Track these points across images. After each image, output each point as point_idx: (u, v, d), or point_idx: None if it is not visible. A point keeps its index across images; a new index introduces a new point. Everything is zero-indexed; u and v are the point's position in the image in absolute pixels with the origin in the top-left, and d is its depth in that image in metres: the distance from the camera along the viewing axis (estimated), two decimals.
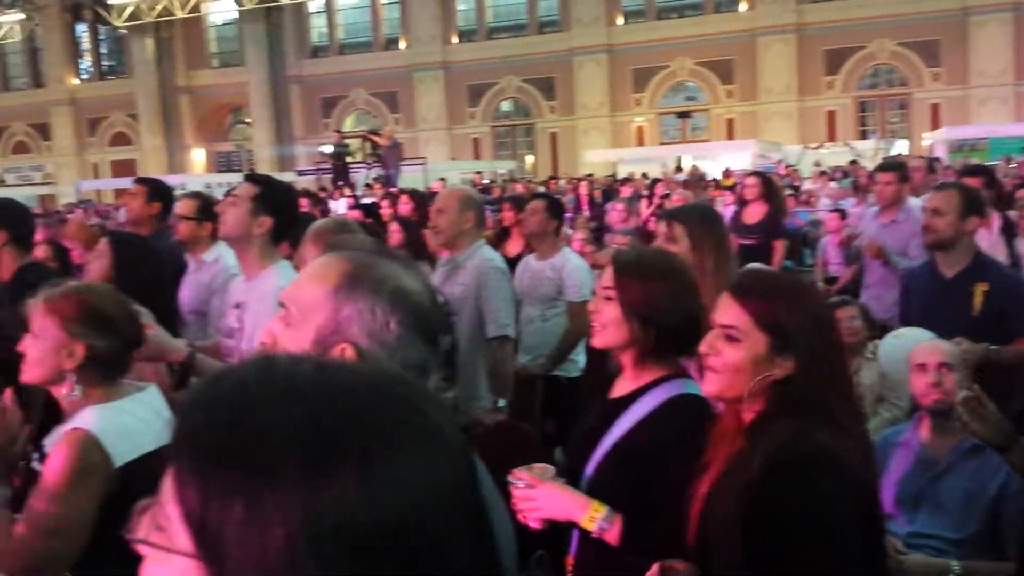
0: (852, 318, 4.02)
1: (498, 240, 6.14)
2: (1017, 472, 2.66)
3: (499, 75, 34.43)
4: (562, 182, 20.39)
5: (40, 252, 5.14)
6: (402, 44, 35.81)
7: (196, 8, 34.00)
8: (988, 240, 5.07)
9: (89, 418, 1.96)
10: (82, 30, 40.03)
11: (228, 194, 3.47)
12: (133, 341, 2.11)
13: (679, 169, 23.67)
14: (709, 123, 32.55)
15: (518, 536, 1.79)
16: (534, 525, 1.98)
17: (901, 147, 25.27)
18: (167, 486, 0.64)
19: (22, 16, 35.72)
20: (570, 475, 2.09)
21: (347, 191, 16.62)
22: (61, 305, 2.02)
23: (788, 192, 12.00)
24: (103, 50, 40.60)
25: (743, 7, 31.50)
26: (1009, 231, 5.75)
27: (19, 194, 29.95)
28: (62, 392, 2.02)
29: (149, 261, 3.55)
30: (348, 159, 21.29)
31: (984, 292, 3.74)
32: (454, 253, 4.06)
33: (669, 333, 2.01)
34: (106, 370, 2.05)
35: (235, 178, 22.57)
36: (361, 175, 20.38)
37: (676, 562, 1.77)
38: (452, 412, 0.72)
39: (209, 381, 0.68)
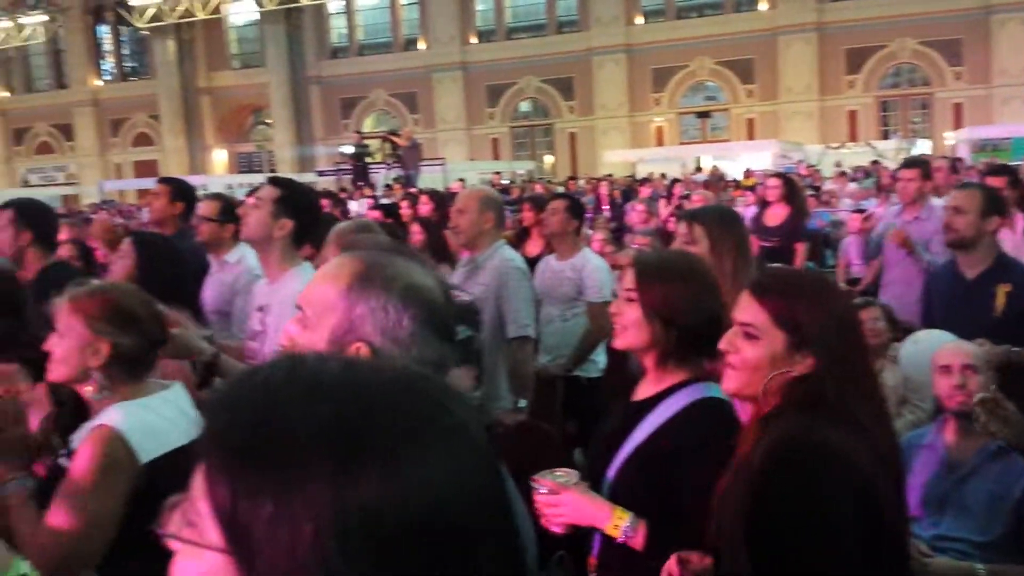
0: (875, 319, 3.99)
1: (518, 240, 6.15)
2: None
3: (518, 75, 34.43)
4: (581, 182, 20.37)
5: (65, 251, 5.21)
6: (421, 45, 35.89)
7: (217, 9, 34.19)
8: (1011, 241, 5.02)
9: (115, 415, 1.98)
10: (104, 31, 40.37)
11: (250, 195, 3.50)
12: (158, 339, 2.13)
13: (699, 169, 23.60)
14: (729, 123, 32.42)
15: (538, 537, 1.80)
16: (556, 530, 1.98)
17: (923, 147, 25.07)
18: (197, 482, 0.65)
19: (45, 18, 36.04)
20: (591, 477, 2.09)
21: (367, 191, 16.68)
22: (86, 304, 2.04)
23: (809, 192, 11.93)
24: (125, 51, 40.92)
25: (763, 6, 31.34)
26: None
27: (43, 194, 30.25)
28: (88, 390, 2.04)
29: (172, 261, 3.58)
30: (368, 160, 21.38)
31: (1006, 293, 3.71)
32: (474, 253, 4.06)
33: (690, 334, 2.00)
34: (131, 368, 2.06)
35: (256, 179, 22.71)
36: (381, 176, 20.45)
37: (692, 553, 1.78)
38: (477, 410, 0.73)
39: (237, 379, 0.69)
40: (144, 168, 37.28)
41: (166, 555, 1.96)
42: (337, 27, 38.07)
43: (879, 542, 1.57)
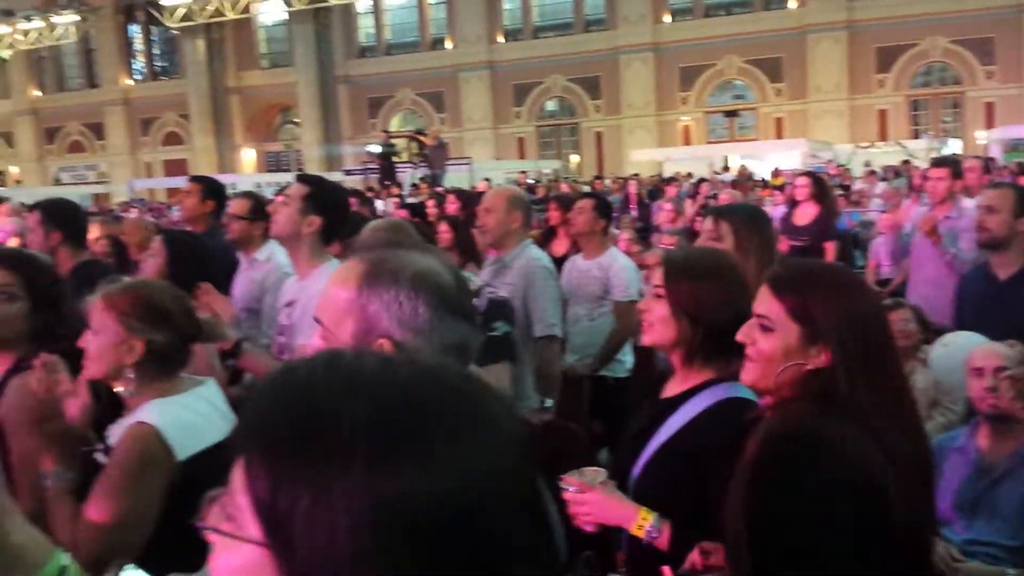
0: (906, 321, 3.95)
1: (544, 240, 6.14)
2: None
3: (544, 74, 34.42)
4: (607, 182, 20.33)
5: (99, 248, 5.27)
6: (448, 44, 35.98)
7: (246, 9, 34.45)
8: None
9: (152, 413, 2.00)
10: (135, 31, 40.84)
11: (279, 193, 3.53)
12: (191, 336, 2.16)
13: (726, 168, 23.47)
14: (757, 122, 32.22)
15: (566, 537, 1.80)
16: (587, 528, 1.99)
17: (954, 146, 24.80)
18: (236, 476, 0.66)
19: (77, 18, 36.45)
20: (618, 475, 2.09)
21: (394, 191, 16.75)
22: (119, 301, 2.06)
23: (839, 192, 11.83)
24: (155, 51, 41.37)
25: (793, 4, 31.12)
26: None
27: (74, 192, 30.67)
28: (122, 387, 2.06)
29: (202, 258, 3.61)
30: (395, 159, 21.46)
31: None
32: (501, 253, 4.07)
33: (717, 332, 2.00)
34: (165, 365, 2.09)
35: (284, 178, 22.89)
36: (408, 175, 20.52)
37: (716, 545, 1.78)
38: (511, 405, 0.73)
39: (277, 374, 0.70)
40: (174, 167, 37.67)
41: (203, 550, 1.98)
42: (365, 26, 38.25)
43: (884, 540, 1.55)
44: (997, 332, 3.22)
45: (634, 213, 12.62)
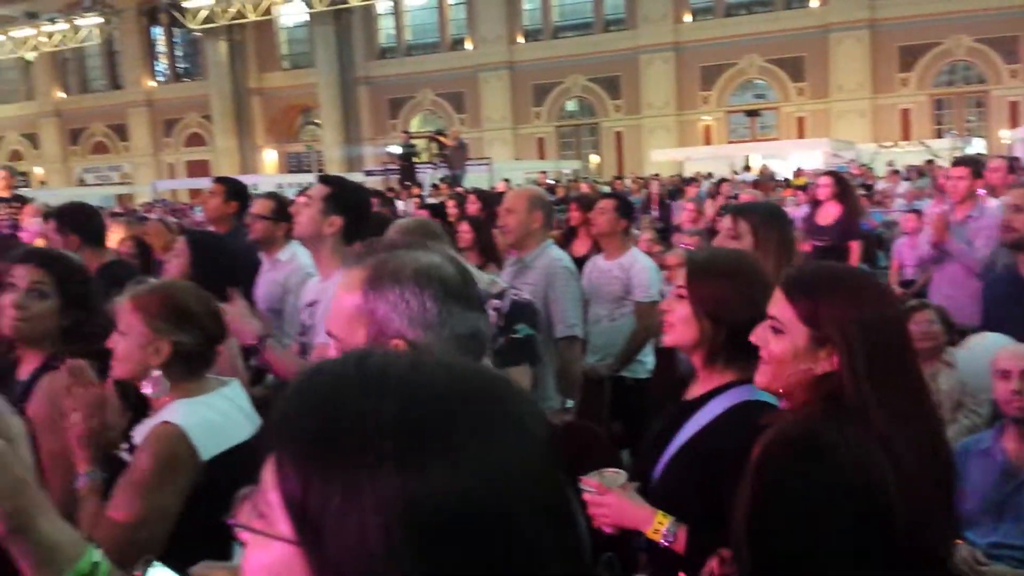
0: (930, 322, 3.92)
1: (565, 240, 6.14)
2: None
3: (564, 74, 34.39)
4: (627, 182, 20.28)
5: (124, 248, 5.32)
6: (468, 44, 36.02)
7: (268, 11, 34.63)
8: None
9: (178, 413, 2.02)
10: (158, 33, 41.15)
11: (300, 194, 3.55)
12: (216, 337, 2.17)
13: (747, 168, 23.36)
14: (779, 121, 32.05)
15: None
16: (606, 530, 1.99)
17: (978, 146, 24.55)
18: (267, 474, 0.66)
19: (100, 20, 36.77)
20: (641, 476, 2.09)
21: (414, 191, 16.77)
22: (146, 302, 2.08)
23: (861, 192, 11.75)
24: (178, 53, 41.66)
25: (814, 3, 30.93)
26: None
27: (98, 193, 30.96)
28: (149, 387, 2.08)
29: (226, 259, 3.64)
30: (415, 159, 21.49)
31: None
32: (522, 253, 4.07)
33: (739, 333, 1.99)
34: (191, 366, 2.11)
35: (305, 178, 23.00)
36: (428, 175, 20.54)
37: (731, 552, 1.77)
38: (537, 406, 0.74)
39: (307, 374, 0.72)
40: (196, 168, 37.95)
41: (226, 549, 1.99)
42: (385, 28, 38.36)
43: (885, 545, 1.53)
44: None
45: (654, 213, 12.58)
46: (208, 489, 1.96)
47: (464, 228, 5.14)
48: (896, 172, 17.03)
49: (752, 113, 31.46)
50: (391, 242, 1.49)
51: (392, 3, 36.92)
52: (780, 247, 2.93)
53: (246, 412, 2.17)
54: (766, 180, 17.37)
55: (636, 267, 4.89)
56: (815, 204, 6.99)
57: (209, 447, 2.00)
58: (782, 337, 1.68)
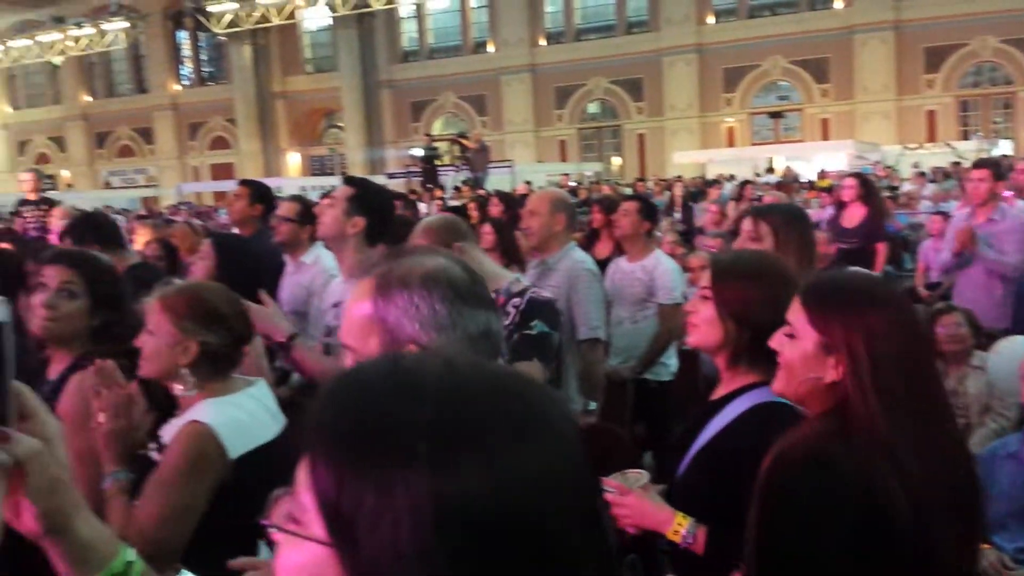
0: (957, 324, 3.89)
1: (587, 242, 6.13)
2: None
3: (586, 76, 34.35)
4: (650, 184, 20.23)
5: (150, 251, 5.37)
6: (490, 48, 36.07)
7: (291, 15, 34.84)
8: None
9: (207, 412, 2.04)
10: (183, 37, 41.49)
11: (324, 196, 3.57)
12: (244, 337, 2.19)
13: (770, 170, 23.24)
14: (802, 123, 31.85)
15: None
16: (630, 531, 1.99)
17: (1005, 147, 24.29)
18: (301, 475, 0.67)
19: (126, 25, 37.16)
20: (668, 478, 2.09)
21: (437, 193, 16.82)
22: (175, 303, 2.11)
23: (886, 194, 11.66)
24: (203, 57, 41.98)
25: (839, 4, 30.72)
26: None
27: (123, 196, 31.29)
28: (177, 387, 2.10)
29: (251, 261, 3.66)
30: (437, 162, 21.55)
31: None
32: (545, 255, 4.07)
33: (763, 335, 1.98)
34: (218, 365, 2.13)
35: (329, 181, 23.12)
36: (450, 178, 20.60)
37: None
38: (567, 408, 0.74)
39: (342, 376, 0.72)
40: (220, 171, 38.23)
41: (251, 546, 2.01)
42: (408, 31, 38.49)
43: (889, 558, 1.52)
44: None
45: (677, 216, 12.55)
46: (234, 488, 1.98)
47: (486, 230, 5.16)
48: (922, 174, 16.89)
49: (776, 115, 31.28)
50: (409, 249, 1.51)
51: (415, 7, 37.04)
52: (801, 249, 2.91)
53: (272, 412, 2.19)
54: (789, 182, 17.26)
55: (659, 269, 4.87)
56: (840, 206, 6.94)
57: (237, 446, 2.02)
58: (795, 343, 1.67)
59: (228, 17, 34.44)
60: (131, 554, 0.92)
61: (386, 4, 33.17)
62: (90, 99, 43.26)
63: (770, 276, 2.06)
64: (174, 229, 6.52)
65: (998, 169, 5.42)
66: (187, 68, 42.10)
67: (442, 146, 24.93)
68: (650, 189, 17.85)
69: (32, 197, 9.27)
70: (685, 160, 28.38)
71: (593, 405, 3.96)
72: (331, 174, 33.58)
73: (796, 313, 1.69)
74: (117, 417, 2.06)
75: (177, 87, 41.65)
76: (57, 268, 2.47)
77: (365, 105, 37.33)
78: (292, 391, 3.64)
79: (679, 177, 20.48)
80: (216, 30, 35.42)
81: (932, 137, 28.09)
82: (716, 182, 18.03)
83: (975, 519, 1.65)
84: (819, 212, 9.99)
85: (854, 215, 6.52)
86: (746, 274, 2.06)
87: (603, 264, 5.08)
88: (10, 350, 0.81)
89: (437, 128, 35.55)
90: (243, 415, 2.08)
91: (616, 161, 33.99)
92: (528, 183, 17.95)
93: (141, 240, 6.13)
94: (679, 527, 1.93)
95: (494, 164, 22.36)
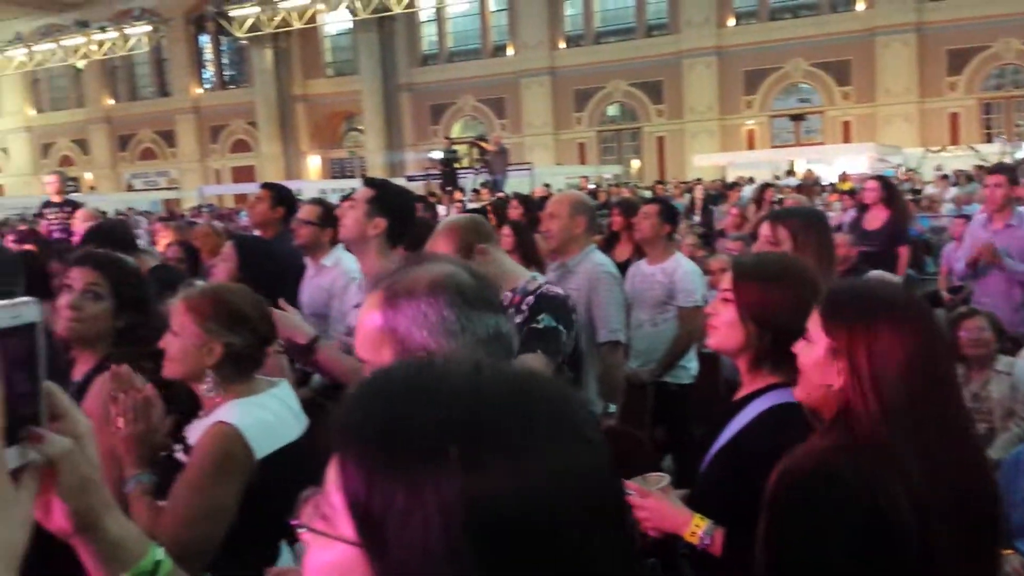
0: (980, 329, 3.85)
1: (607, 245, 6.12)
2: None
3: (606, 79, 34.33)
4: (670, 186, 20.17)
5: (172, 253, 5.41)
6: (510, 51, 36.12)
7: (312, 19, 35.04)
8: None
9: (233, 412, 2.06)
10: (205, 41, 41.81)
11: (344, 199, 3.58)
12: (267, 338, 2.21)
13: (790, 172, 23.12)
14: (823, 126, 31.68)
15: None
16: (652, 534, 1.99)
17: None
18: (331, 476, 0.68)
19: (149, 29, 37.54)
20: (689, 478, 2.09)
21: (456, 196, 16.84)
22: (199, 304, 2.13)
23: (909, 197, 11.57)
24: (224, 61, 42.27)
25: (860, 6, 30.54)
26: None
27: (145, 198, 31.56)
28: (201, 388, 2.12)
29: (272, 262, 3.68)
30: (456, 165, 21.57)
31: None
32: (565, 258, 4.07)
33: (786, 338, 1.97)
34: (242, 366, 2.14)
35: (349, 184, 23.19)
36: (469, 180, 20.61)
37: None
38: (591, 410, 0.75)
39: (371, 379, 0.73)
40: (241, 173, 38.49)
41: (273, 547, 2.02)
42: (428, 35, 38.60)
43: (898, 570, 1.51)
44: None
45: (696, 219, 12.51)
46: (259, 487, 2.00)
47: (505, 232, 5.16)
48: (944, 177, 16.75)
49: (797, 117, 31.13)
50: (417, 259, 1.52)
51: (435, 10, 37.15)
52: (819, 253, 2.90)
53: (295, 412, 2.20)
54: (810, 185, 17.16)
55: (680, 272, 4.86)
56: (862, 209, 6.89)
57: (263, 446, 2.03)
58: (810, 348, 1.67)
59: (250, 21, 34.68)
60: (160, 553, 0.93)
61: (406, 8, 33.28)
62: (113, 102, 43.65)
63: (792, 278, 2.04)
64: (196, 229, 6.56)
65: (1013, 174, 5.37)
66: (209, 72, 42.41)
67: (461, 149, 24.94)
68: (670, 192, 17.79)
69: (56, 199, 9.36)
70: (705, 163, 28.28)
71: (613, 408, 3.95)
72: (351, 177, 33.73)
73: (813, 318, 1.68)
74: (136, 421, 2.08)
75: (199, 90, 41.96)
76: (83, 270, 2.49)
77: (385, 108, 37.48)
78: (313, 392, 3.66)
79: (699, 180, 20.41)
80: (238, 34, 35.68)
81: (955, 140, 27.87)
82: (736, 185, 17.96)
83: (992, 526, 1.63)
84: (840, 215, 9.94)
85: (876, 218, 6.48)
86: (768, 276, 2.04)
87: (622, 267, 5.07)
88: (42, 350, 0.83)
89: (456, 131, 35.60)
90: (268, 415, 2.09)
91: (635, 164, 33.92)
92: (547, 186, 17.93)
93: (163, 242, 6.18)
94: (696, 529, 1.93)
95: (513, 167, 22.35)
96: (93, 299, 2.45)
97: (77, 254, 2.69)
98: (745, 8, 32.60)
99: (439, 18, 37.80)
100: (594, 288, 3.94)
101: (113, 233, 4.46)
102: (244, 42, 37.92)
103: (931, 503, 1.49)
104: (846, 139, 29.88)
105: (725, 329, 2.04)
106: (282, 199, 5.16)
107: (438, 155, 21.92)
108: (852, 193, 12.92)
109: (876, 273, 4.56)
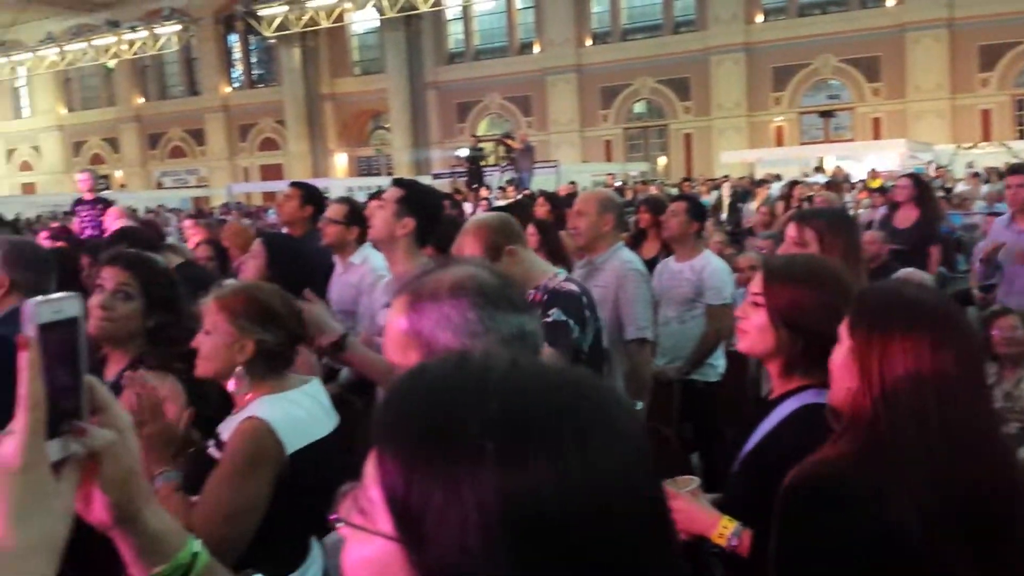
0: (1014, 327, 3.81)
1: (634, 242, 6.10)
2: None
3: (633, 76, 34.20)
4: (697, 183, 20.08)
5: (201, 252, 5.46)
6: (536, 48, 36.08)
7: (340, 18, 35.20)
8: None
9: (264, 408, 2.08)
10: (234, 41, 42.13)
11: (371, 197, 3.60)
12: (298, 336, 2.23)
13: (819, 169, 22.92)
14: (853, 122, 31.37)
15: None
16: (681, 536, 1.98)
17: None
18: (370, 471, 0.68)
19: (179, 28, 37.91)
20: (717, 477, 2.08)
21: (482, 193, 16.86)
22: (231, 302, 2.15)
23: (940, 195, 11.44)
24: (253, 60, 42.57)
25: (891, 2, 30.21)
26: None
27: (175, 196, 31.85)
28: (233, 385, 2.14)
29: (301, 260, 3.71)
30: (482, 163, 21.60)
31: None
32: (593, 255, 4.06)
33: (819, 342, 1.94)
34: (273, 363, 2.16)
35: (375, 182, 23.29)
36: (495, 178, 20.63)
37: None
38: (630, 407, 0.75)
39: (409, 375, 0.73)
40: (270, 172, 38.76)
41: (304, 541, 2.03)
42: (454, 33, 38.64)
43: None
44: None
45: (723, 216, 12.44)
46: (290, 482, 2.01)
47: (530, 231, 5.16)
48: (976, 174, 16.54)
49: (826, 114, 30.84)
50: (441, 262, 1.54)
51: (461, 8, 37.19)
52: (847, 254, 2.85)
53: (326, 408, 2.22)
54: (839, 182, 17.00)
55: (708, 269, 4.84)
56: (893, 207, 6.81)
57: (294, 441, 2.05)
58: (837, 350, 1.65)
59: (278, 20, 34.90)
60: (197, 545, 0.94)
61: (433, 6, 33.35)
62: (143, 101, 44.09)
63: (824, 282, 1.99)
64: (226, 227, 6.60)
65: None
66: (237, 71, 42.72)
67: (487, 146, 24.96)
68: (697, 189, 17.71)
69: (88, 197, 9.49)
70: (733, 160, 28.07)
71: (640, 405, 3.94)
72: (378, 175, 33.86)
73: (844, 320, 1.66)
74: (152, 421, 2.10)
75: (228, 89, 42.28)
76: (114, 270, 2.51)
77: (411, 106, 37.58)
78: (340, 388, 3.68)
79: (726, 177, 20.29)
80: (266, 33, 35.92)
81: (987, 136, 27.47)
82: (764, 182, 17.83)
83: (1016, 530, 1.60)
84: (870, 212, 9.85)
85: (907, 216, 6.40)
86: (799, 279, 2.00)
87: (650, 264, 5.05)
88: (83, 345, 0.84)
89: (482, 129, 35.64)
90: (299, 411, 2.11)
91: (662, 161, 33.77)
92: (573, 183, 17.91)
93: (194, 239, 6.23)
94: (724, 530, 1.91)
95: (539, 164, 22.35)
96: (123, 299, 2.47)
97: (108, 254, 2.72)
98: (773, 4, 32.35)
99: (465, 16, 37.83)
100: (621, 285, 3.93)
101: (134, 235, 4.51)
102: (272, 41, 38.15)
103: (941, 514, 1.46)
104: (876, 136, 29.53)
105: (755, 333, 2.00)
106: (311, 198, 5.20)
107: (464, 153, 21.94)
108: (883, 191, 12.79)
109: (906, 271, 4.50)
